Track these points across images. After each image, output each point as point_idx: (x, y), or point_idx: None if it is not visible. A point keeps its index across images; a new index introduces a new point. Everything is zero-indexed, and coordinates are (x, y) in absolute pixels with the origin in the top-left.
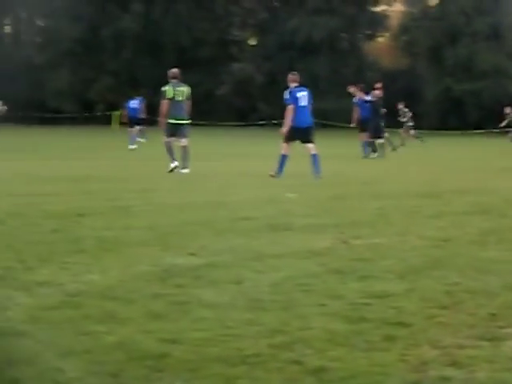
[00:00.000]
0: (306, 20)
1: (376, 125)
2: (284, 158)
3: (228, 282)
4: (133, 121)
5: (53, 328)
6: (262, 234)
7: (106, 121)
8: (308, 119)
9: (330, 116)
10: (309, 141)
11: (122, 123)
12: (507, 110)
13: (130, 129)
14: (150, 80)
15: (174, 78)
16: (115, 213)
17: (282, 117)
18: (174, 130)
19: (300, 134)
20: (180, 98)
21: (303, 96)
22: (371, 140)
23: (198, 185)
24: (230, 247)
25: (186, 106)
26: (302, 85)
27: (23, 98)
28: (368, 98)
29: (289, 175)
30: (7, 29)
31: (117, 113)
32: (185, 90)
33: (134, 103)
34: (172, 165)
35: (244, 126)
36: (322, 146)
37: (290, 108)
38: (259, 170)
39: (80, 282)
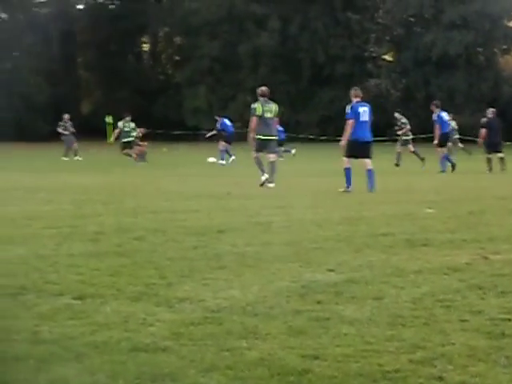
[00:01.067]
0: (441, 35)
1: (494, 141)
2: (348, 171)
3: (368, 297)
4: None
5: (195, 344)
6: (400, 249)
7: (244, 138)
8: (368, 134)
9: (466, 130)
10: (366, 156)
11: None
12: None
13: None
14: (287, 96)
15: (263, 95)
16: (255, 229)
17: (418, 132)
18: (263, 146)
19: (359, 149)
20: (269, 115)
21: (364, 111)
22: (489, 156)
23: (335, 201)
24: (369, 263)
25: (274, 123)
26: (364, 100)
27: (161, 116)
28: (444, 114)
29: (425, 190)
30: (145, 47)
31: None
32: (273, 107)
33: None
34: (263, 178)
35: (381, 141)
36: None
37: (350, 122)
38: (395, 185)
39: (221, 298)
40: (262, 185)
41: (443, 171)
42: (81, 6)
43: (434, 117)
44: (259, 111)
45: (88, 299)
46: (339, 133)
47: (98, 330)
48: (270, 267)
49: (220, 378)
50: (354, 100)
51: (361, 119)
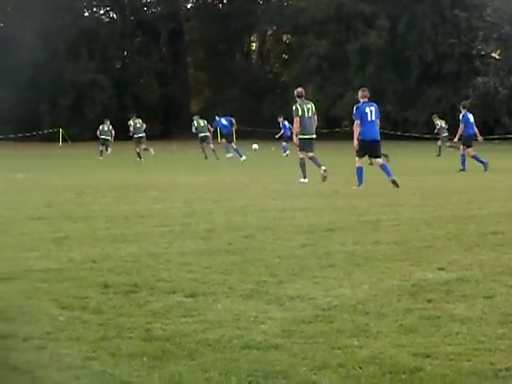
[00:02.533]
0: None
1: None
2: (359, 170)
3: (479, 296)
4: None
5: (306, 342)
6: (510, 248)
7: (350, 137)
8: (376, 133)
9: None
10: (376, 155)
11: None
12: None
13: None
14: (394, 95)
15: (300, 96)
16: (364, 228)
17: None
18: (305, 145)
19: (369, 147)
20: (309, 115)
21: (371, 111)
22: None
23: (444, 199)
24: (480, 262)
25: (314, 122)
26: (371, 100)
27: (269, 114)
28: (470, 115)
29: None
30: (253, 45)
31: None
32: (310, 106)
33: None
34: (302, 180)
35: (490, 139)
36: None
37: (356, 123)
38: (505, 183)
39: (331, 296)
40: (301, 183)
41: (463, 169)
42: (189, 5)
43: (461, 117)
44: (300, 112)
45: (200, 297)
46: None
47: (210, 328)
48: (380, 266)
49: (332, 376)
50: (362, 100)
51: (368, 119)
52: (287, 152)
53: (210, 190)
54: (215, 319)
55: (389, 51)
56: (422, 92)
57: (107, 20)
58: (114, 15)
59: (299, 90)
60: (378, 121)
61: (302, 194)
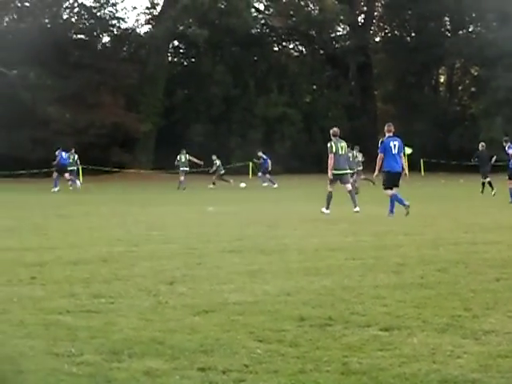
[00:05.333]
0: None
1: None
2: (394, 197)
3: None
4: None
5: (503, 376)
6: None
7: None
8: (398, 165)
9: None
10: (395, 185)
11: None
12: None
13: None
14: None
15: (335, 135)
16: None
17: None
18: (337, 179)
19: (392, 178)
20: (342, 152)
21: (395, 145)
22: None
23: None
24: None
25: (345, 159)
26: (396, 135)
27: (457, 147)
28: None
29: None
30: (441, 78)
31: None
32: (344, 145)
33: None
34: (324, 210)
35: None
36: None
37: (380, 156)
38: None
39: None
40: (323, 213)
41: None
42: (378, 39)
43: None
44: (334, 149)
45: (395, 331)
46: None
47: (406, 362)
48: None
49: None
50: (387, 135)
51: (392, 152)
52: None
53: (400, 223)
54: (411, 353)
55: None
56: None
57: (297, 54)
58: (304, 49)
59: (335, 129)
60: (402, 154)
61: (494, 227)
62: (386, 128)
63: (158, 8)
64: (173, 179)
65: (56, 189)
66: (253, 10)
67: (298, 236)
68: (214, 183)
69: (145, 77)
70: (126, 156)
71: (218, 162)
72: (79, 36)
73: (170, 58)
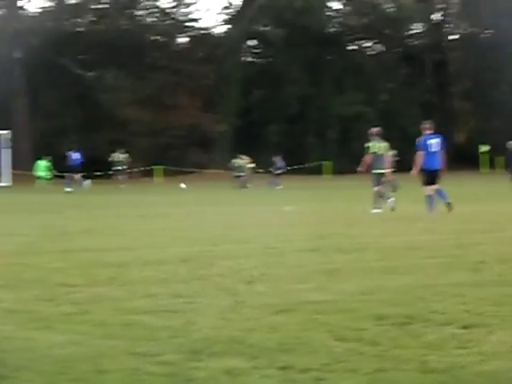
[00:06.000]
0: None
1: None
2: (430, 197)
3: None
4: None
5: None
6: None
7: None
8: (437, 163)
9: None
10: (434, 182)
11: None
12: None
13: None
14: None
15: (376, 135)
16: None
17: None
18: (378, 179)
19: (431, 176)
20: (381, 152)
21: (434, 143)
22: None
23: None
24: None
25: (385, 158)
26: (436, 133)
27: None
28: None
29: None
30: None
31: None
32: (384, 145)
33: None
34: (374, 211)
35: None
36: None
37: (419, 154)
38: None
39: None
40: (373, 213)
41: None
42: (453, 36)
43: None
44: (374, 149)
45: (474, 328)
46: None
47: (485, 360)
48: None
49: None
50: (426, 133)
51: (430, 150)
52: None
53: (478, 221)
54: (490, 351)
55: None
56: None
57: (372, 53)
58: (379, 47)
59: (376, 129)
60: (443, 152)
61: None
62: (423, 126)
63: (235, 8)
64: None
65: (69, 189)
66: (329, 8)
67: (375, 235)
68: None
69: (221, 77)
70: (204, 156)
71: (282, 163)
72: (156, 37)
73: (246, 58)
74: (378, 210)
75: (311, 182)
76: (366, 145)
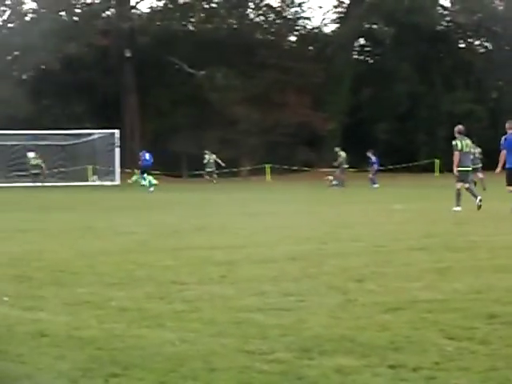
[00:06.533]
0: None
1: None
2: None
3: None
4: None
5: None
6: None
7: None
8: None
9: None
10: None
11: None
12: None
13: None
14: None
15: (460, 133)
16: None
17: None
18: (464, 177)
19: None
20: (467, 150)
21: None
22: None
23: None
24: None
25: (470, 156)
26: None
27: None
28: None
29: None
30: None
31: None
32: (469, 142)
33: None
34: (456, 208)
35: None
36: None
37: (503, 153)
38: None
39: None
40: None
41: None
42: None
43: None
44: (460, 147)
45: None
46: None
47: None
48: None
49: None
50: (509, 132)
51: None
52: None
53: None
54: None
55: None
56: None
57: (482, 50)
58: (489, 45)
59: (460, 127)
60: None
61: None
62: (507, 125)
63: (344, 7)
64: (358, 177)
65: (151, 189)
66: (438, 6)
67: (486, 233)
68: (334, 181)
69: (330, 76)
70: (312, 155)
71: (343, 154)
72: (265, 36)
73: (355, 56)
74: (458, 208)
75: (421, 181)
76: (454, 142)
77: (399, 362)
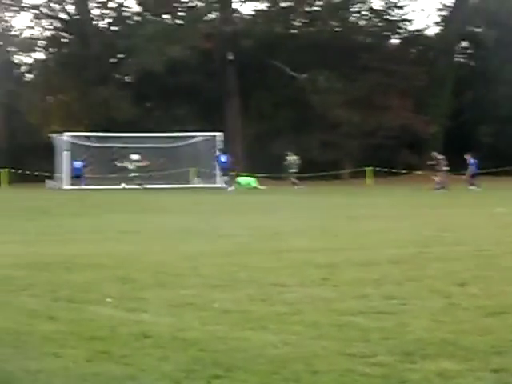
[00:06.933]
0: None
1: None
2: None
3: None
4: None
5: None
6: None
7: None
8: None
9: None
10: None
11: None
12: None
13: None
14: None
15: None
16: None
17: None
18: None
19: None
20: None
21: None
22: None
23: None
24: None
25: None
26: None
27: None
28: None
29: None
30: None
31: None
32: None
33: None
34: None
35: None
36: None
37: None
38: None
39: None
40: None
41: None
42: None
43: None
44: None
45: None
46: None
47: None
48: None
49: None
50: None
51: None
52: None
53: None
54: None
55: None
56: None
57: None
58: None
59: None
60: None
61: None
62: None
63: (448, 10)
64: (460, 181)
65: (231, 188)
66: None
67: None
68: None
69: (432, 79)
70: (414, 158)
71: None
72: (367, 39)
73: (457, 59)
74: None
75: None
76: None
77: (502, 366)
